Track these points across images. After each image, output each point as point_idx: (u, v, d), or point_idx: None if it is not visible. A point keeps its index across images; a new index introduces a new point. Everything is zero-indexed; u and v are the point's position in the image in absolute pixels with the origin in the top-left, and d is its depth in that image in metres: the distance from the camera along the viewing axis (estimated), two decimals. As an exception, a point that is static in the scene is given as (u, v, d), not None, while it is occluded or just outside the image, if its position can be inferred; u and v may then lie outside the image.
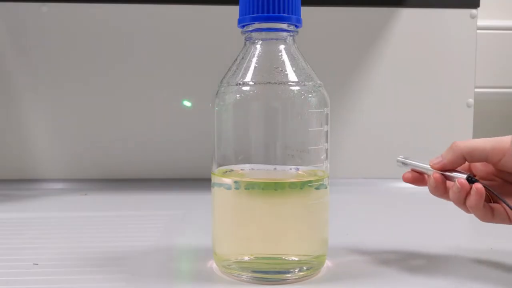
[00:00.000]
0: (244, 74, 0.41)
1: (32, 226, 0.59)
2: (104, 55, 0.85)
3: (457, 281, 0.41)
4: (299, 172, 0.42)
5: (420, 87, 0.87)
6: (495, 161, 0.41)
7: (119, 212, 0.67)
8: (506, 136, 0.41)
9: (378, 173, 0.86)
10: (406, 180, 0.45)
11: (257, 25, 0.41)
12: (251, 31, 0.42)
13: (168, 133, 0.86)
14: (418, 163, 0.45)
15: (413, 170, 0.45)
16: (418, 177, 0.44)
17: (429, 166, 0.43)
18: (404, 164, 0.46)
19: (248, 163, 0.41)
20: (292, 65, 0.41)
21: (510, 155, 0.40)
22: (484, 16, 0.89)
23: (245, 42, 0.43)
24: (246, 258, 0.41)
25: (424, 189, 0.45)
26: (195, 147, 0.84)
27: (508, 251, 0.49)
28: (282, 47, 0.42)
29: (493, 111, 1.03)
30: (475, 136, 0.87)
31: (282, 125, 0.41)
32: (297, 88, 0.41)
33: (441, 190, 0.42)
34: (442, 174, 0.42)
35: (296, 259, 0.41)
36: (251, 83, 0.41)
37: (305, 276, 0.41)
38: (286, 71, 0.41)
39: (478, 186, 0.40)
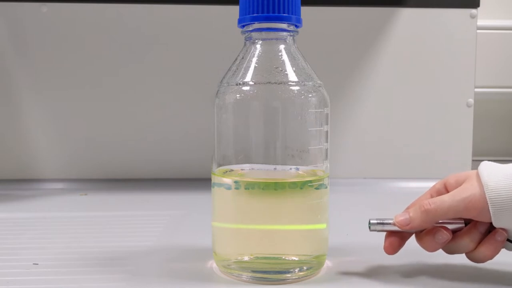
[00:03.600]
0: (244, 74, 0.41)
1: (32, 226, 0.59)
2: (104, 55, 0.85)
3: (457, 281, 0.41)
4: (299, 172, 0.42)
5: (420, 87, 0.87)
6: (469, 218, 0.40)
7: (119, 212, 0.67)
8: (471, 188, 0.39)
9: (378, 173, 0.86)
10: (391, 251, 0.42)
11: (257, 25, 0.41)
12: (251, 31, 0.42)
13: (168, 133, 0.86)
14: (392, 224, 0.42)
15: (389, 232, 0.42)
16: (398, 242, 0.42)
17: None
18: (381, 224, 0.42)
19: (248, 163, 0.41)
20: (292, 65, 0.41)
21: (485, 212, 0.39)
22: (484, 16, 0.89)
23: (245, 42, 0.43)
24: (246, 258, 0.41)
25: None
26: (195, 147, 0.84)
27: (508, 251, 0.49)
28: (282, 47, 0.42)
29: (493, 111, 1.03)
30: (475, 136, 0.87)
31: (282, 125, 0.41)
32: (297, 88, 0.41)
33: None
34: (441, 225, 0.41)
35: (296, 259, 0.41)
36: (251, 83, 0.41)
37: (305, 276, 0.41)
38: (286, 71, 0.41)
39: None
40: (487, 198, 0.38)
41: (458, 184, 0.41)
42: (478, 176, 0.40)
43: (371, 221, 0.42)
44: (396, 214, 0.42)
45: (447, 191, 0.42)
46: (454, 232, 0.41)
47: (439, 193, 0.43)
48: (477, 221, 0.40)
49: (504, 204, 0.38)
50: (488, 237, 0.40)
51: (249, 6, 0.41)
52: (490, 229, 0.40)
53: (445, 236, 0.40)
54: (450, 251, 0.42)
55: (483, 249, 0.40)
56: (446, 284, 0.41)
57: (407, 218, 0.41)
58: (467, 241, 0.40)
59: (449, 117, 0.87)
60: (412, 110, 0.87)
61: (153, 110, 0.86)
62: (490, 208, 0.38)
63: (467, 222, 0.41)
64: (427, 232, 0.41)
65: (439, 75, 0.87)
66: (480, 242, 0.40)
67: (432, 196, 0.43)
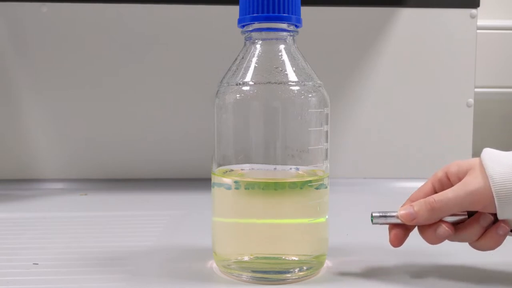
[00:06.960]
0: (244, 74, 0.41)
1: (32, 226, 0.59)
2: (104, 55, 0.85)
3: (457, 282, 0.41)
4: (299, 172, 0.42)
5: (420, 87, 0.87)
6: (474, 210, 0.40)
7: (119, 212, 0.67)
8: (475, 181, 0.39)
9: (378, 173, 0.86)
10: (397, 244, 0.42)
11: (257, 25, 0.41)
12: (251, 31, 0.42)
13: (168, 133, 0.86)
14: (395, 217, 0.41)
15: (392, 224, 0.42)
16: (402, 234, 0.42)
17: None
18: (384, 217, 0.41)
19: (248, 163, 0.41)
20: (292, 65, 0.41)
21: (491, 205, 0.39)
22: (484, 16, 0.89)
23: (245, 42, 0.43)
24: (246, 258, 0.41)
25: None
26: (195, 147, 0.84)
27: (508, 251, 0.49)
28: (282, 47, 0.42)
29: (493, 111, 1.03)
30: (475, 135, 0.87)
31: (282, 125, 0.41)
32: (297, 88, 0.41)
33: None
34: (442, 221, 0.41)
35: (296, 259, 0.41)
36: (251, 83, 0.41)
37: (305, 276, 0.41)
38: (286, 71, 0.41)
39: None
40: (493, 191, 0.38)
41: (460, 173, 0.41)
42: (481, 167, 0.40)
43: (374, 214, 0.42)
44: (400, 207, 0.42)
45: (449, 180, 0.42)
46: (458, 223, 0.41)
47: (441, 182, 0.43)
48: (480, 214, 0.40)
49: (510, 196, 0.38)
50: (490, 230, 0.40)
51: (249, 6, 0.41)
52: (494, 220, 0.40)
53: (446, 232, 0.40)
54: (452, 240, 0.42)
55: (484, 242, 0.40)
56: (447, 284, 0.41)
57: (412, 212, 0.40)
58: (469, 233, 0.40)
59: (449, 117, 0.87)
60: (412, 110, 0.87)
61: (153, 110, 0.86)
62: (496, 201, 0.38)
63: (471, 213, 0.41)
64: (429, 225, 0.41)
65: (439, 75, 0.87)
66: (483, 233, 0.40)
67: (433, 186, 0.43)
